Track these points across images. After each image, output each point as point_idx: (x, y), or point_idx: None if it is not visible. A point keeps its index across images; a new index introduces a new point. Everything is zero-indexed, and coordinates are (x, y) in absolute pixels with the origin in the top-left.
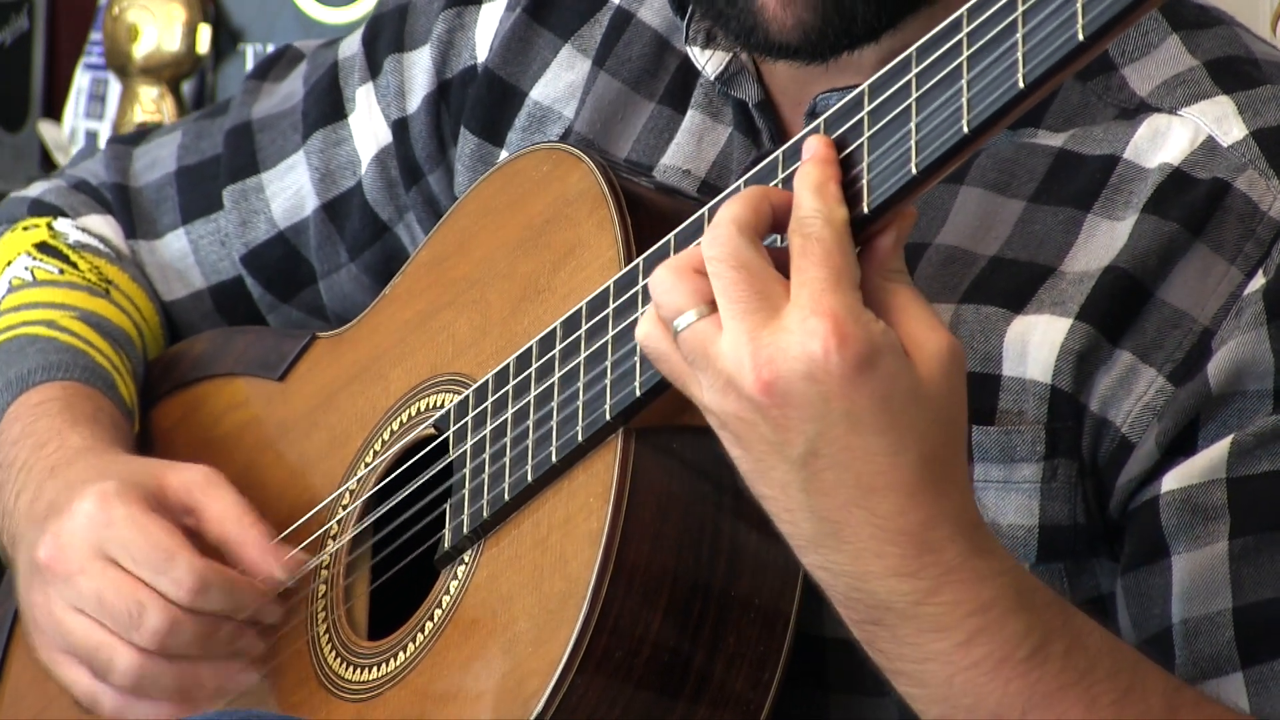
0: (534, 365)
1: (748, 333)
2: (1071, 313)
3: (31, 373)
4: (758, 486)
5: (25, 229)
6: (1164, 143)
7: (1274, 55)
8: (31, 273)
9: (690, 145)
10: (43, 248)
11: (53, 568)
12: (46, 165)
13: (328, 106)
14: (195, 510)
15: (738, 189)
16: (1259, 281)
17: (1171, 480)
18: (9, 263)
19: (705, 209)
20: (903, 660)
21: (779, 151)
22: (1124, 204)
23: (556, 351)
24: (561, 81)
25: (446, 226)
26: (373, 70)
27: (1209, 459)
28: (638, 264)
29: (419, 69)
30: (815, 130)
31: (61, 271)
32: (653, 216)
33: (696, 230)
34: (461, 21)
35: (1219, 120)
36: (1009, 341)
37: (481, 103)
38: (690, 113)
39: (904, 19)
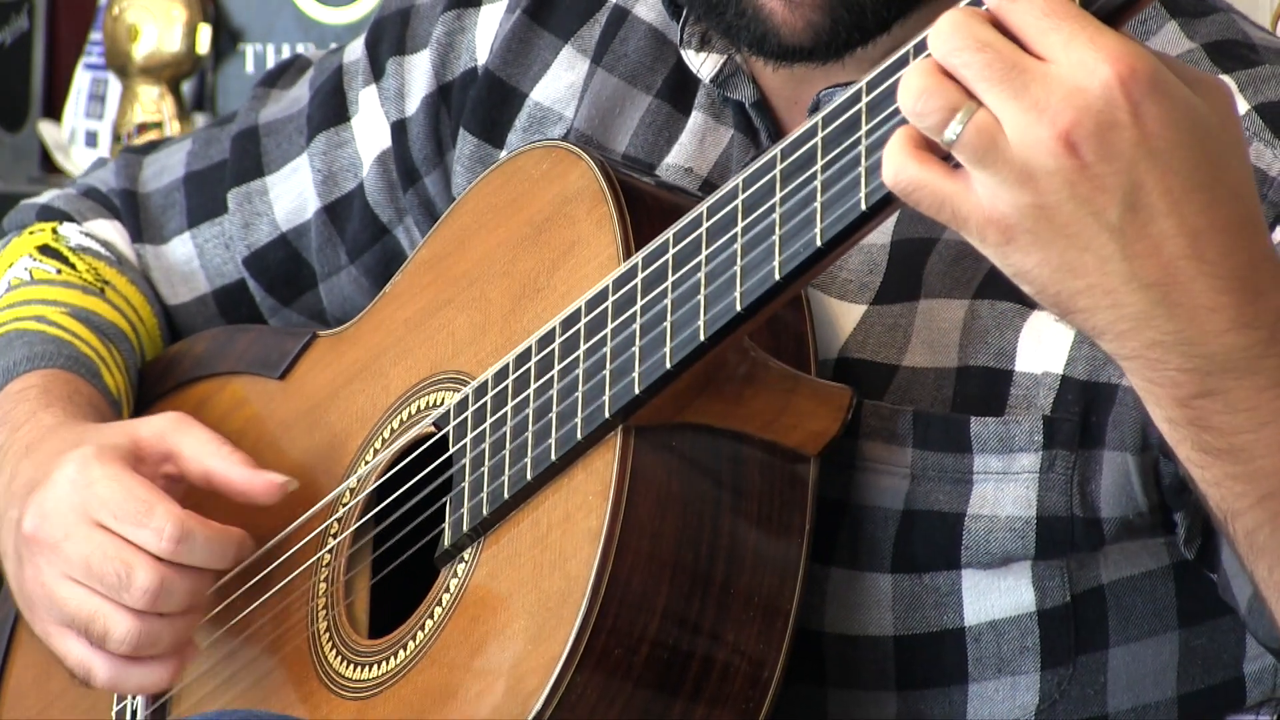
0: (533, 363)
1: (1030, 98)
2: None
3: (16, 364)
4: (1068, 284)
5: (31, 233)
6: None
7: (1271, 41)
8: (30, 273)
9: (693, 145)
10: (44, 250)
11: (39, 538)
12: (46, 165)
13: (331, 110)
14: (172, 453)
15: (736, 187)
16: (1275, 237)
17: None
18: (11, 265)
19: (704, 206)
20: (1238, 431)
21: (776, 148)
22: None
23: (555, 349)
24: (562, 82)
25: (446, 225)
26: (376, 73)
27: None
28: (636, 261)
29: (419, 71)
30: (814, 125)
31: (59, 271)
32: (652, 214)
33: (694, 227)
34: (461, 24)
35: None
36: (1024, 337)
37: (482, 104)
38: (694, 114)
39: (914, 9)
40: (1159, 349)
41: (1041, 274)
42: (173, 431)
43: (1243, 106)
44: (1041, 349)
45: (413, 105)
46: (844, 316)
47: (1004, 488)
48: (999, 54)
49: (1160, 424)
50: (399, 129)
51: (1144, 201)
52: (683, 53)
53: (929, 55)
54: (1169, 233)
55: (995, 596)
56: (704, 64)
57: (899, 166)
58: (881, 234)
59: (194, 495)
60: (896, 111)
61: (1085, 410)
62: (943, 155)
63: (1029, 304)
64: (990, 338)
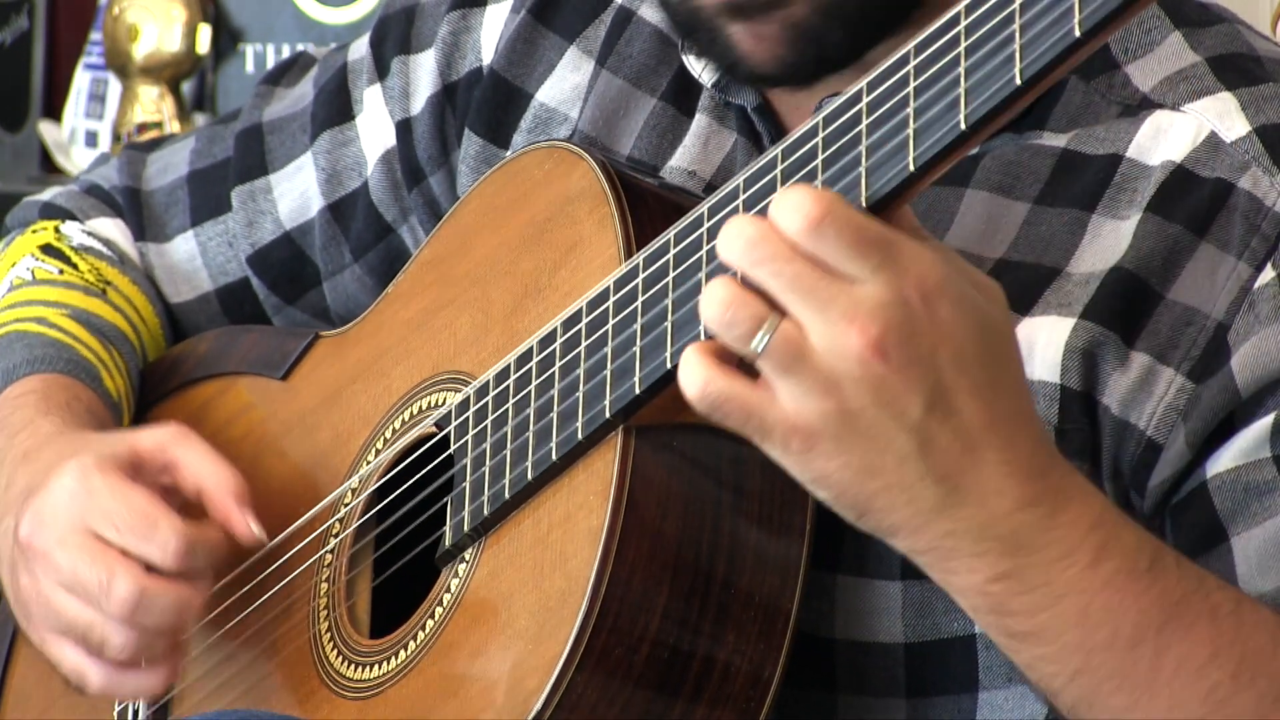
0: (534, 363)
1: (838, 309)
2: (1076, 313)
3: (16, 367)
4: (866, 485)
5: (34, 232)
6: (1167, 139)
7: (1276, 53)
8: (32, 273)
9: (697, 148)
10: (46, 249)
11: (33, 545)
12: (46, 165)
13: (335, 108)
14: (171, 465)
15: (736, 187)
16: (1268, 274)
17: (1216, 464)
18: (13, 264)
19: (705, 206)
20: (1036, 611)
21: (778, 149)
22: (1128, 202)
23: (556, 349)
24: (567, 83)
25: (448, 225)
26: (380, 72)
27: (1251, 439)
28: (637, 261)
29: (424, 70)
30: (815, 125)
31: (61, 272)
32: (653, 214)
33: (695, 227)
34: (467, 24)
35: (1222, 116)
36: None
37: (487, 104)
38: (698, 116)
39: (881, 40)
40: (952, 538)
41: (842, 478)
42: (173, 444)
43: (1242, 128)
44: (1034, 357)
45: (418, 104)
46: None
47: None
48: (807, 266)
49: (971, 615)
50: (404, 128)
51: (942, 399)
52: (684, 58)
53: (725, 270)
54: (963, 426)
55: None
56: (705, 69)
57: (706, 379)
58: None
59: (188, 506)
60: (897, 110)
61: (1092, 421)
62: (736, 364)
63: (1020, 310)
64: None
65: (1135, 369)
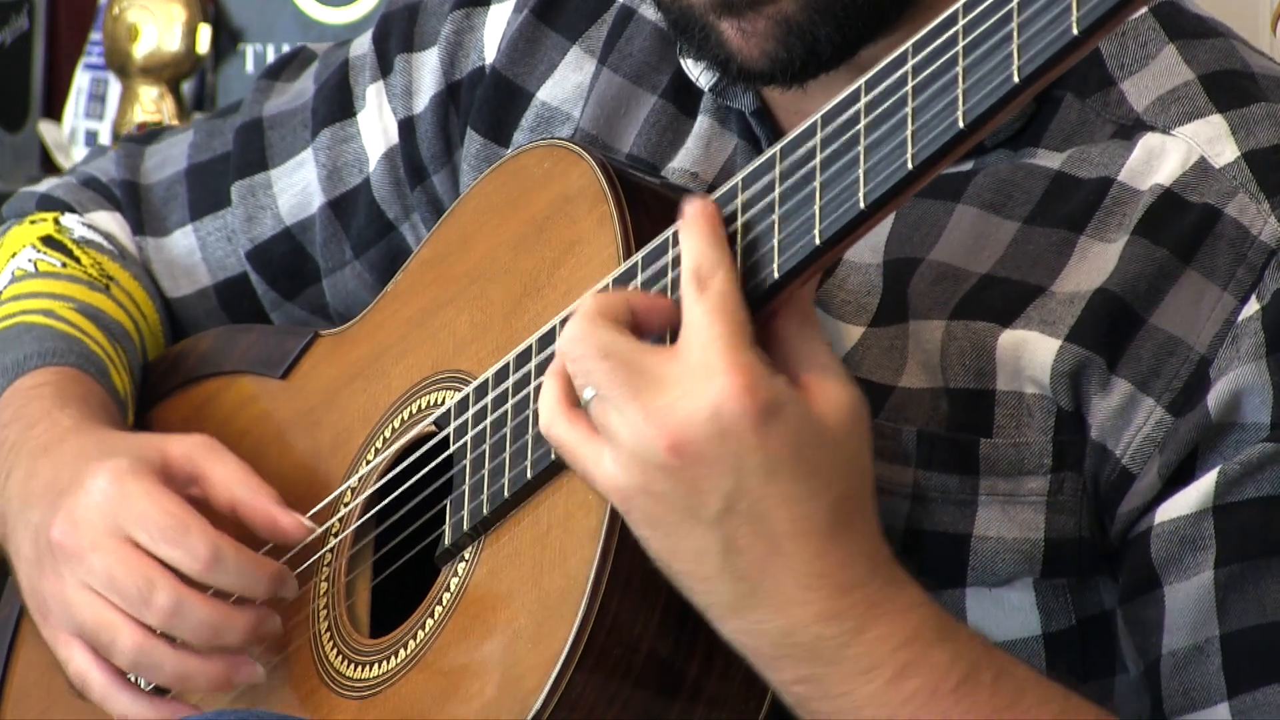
0: (533, 362)
1: (643, 409)
2: (1061, 334)
3: (27, 358)
4: (671, 563)
5: (33, 223)
6: (1158, 164)
7: (1271, 69)
8: (34, 265)
9: (699, 150)
10: (48, 241)
11: (65, 546)
12: (46, 165)
13: (337, 104)
14: (200, 477)
15: (736, 185)
16: (1253, 307)
17: (1163, 513)
18: (14, 255)
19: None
20: (838, 715)
21: (776, 148)
22: (1116, 225)
23: (555, 347)
24: (569, 83)
25: (448, 224)
26: (384, 69)
27: (1199, 490)
28: (636, 260)
29: (427, 69)
30: (814, 124)
31: (64, 265)
32: (652, 213)
33: None
34: (470, 23)
35: (1211, 141)
36: (1000, 355)
37: (488, 103)
38: (700, 118)
39: (872, 39)
40: (752, 636)
41: (654, 547)
42: (203, 456)
43: (1231, 153)
44: (1022, 371)
45: (421, 103)
46: (842, 337)
47: (1012, 510)
48: (622, 365)
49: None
50: (406, 126)
51: (740, 506)
52: (682, 62)
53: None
54: (768, 532)
55: (1000, 617)
56: (703, 73)
57: (551, 420)
58: (874, 253)
59: (213, 519)
60: (895, 109)
61: (1082, 436)
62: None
63: (1002, 323)
64: (968, 359)
65: (1116, 396)
